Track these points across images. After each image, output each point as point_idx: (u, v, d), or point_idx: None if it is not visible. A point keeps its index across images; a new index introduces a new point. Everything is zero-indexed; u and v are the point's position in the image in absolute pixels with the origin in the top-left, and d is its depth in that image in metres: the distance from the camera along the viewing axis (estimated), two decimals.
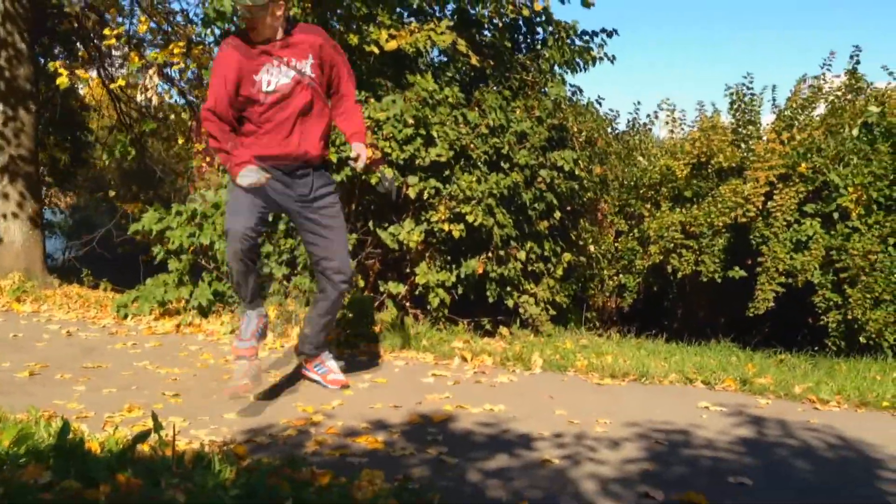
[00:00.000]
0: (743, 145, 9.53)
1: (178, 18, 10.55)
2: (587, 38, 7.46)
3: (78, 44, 11.30)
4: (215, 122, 3.75)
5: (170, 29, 10.16)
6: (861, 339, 7.56)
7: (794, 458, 3.23)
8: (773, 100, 9.95)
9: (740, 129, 9.74)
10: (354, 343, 5.17)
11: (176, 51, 7.25)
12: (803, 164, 8.30)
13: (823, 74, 9.74)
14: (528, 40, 7.55)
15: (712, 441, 3.43)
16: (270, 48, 3.82)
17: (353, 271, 4.18)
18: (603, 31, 7.50)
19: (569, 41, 7.34)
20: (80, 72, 8.09)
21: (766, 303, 8.16)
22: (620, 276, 9.55)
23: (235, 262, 3.74)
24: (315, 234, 3.99)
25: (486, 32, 7.29)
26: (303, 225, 4.00)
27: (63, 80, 8.18)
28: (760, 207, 8.37)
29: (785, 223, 8.23)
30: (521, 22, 7.31)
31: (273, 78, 3.80)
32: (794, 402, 4.22)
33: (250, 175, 3.64)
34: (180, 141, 10.50)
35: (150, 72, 7.74)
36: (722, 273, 8.63)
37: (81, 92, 13.35)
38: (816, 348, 7.70)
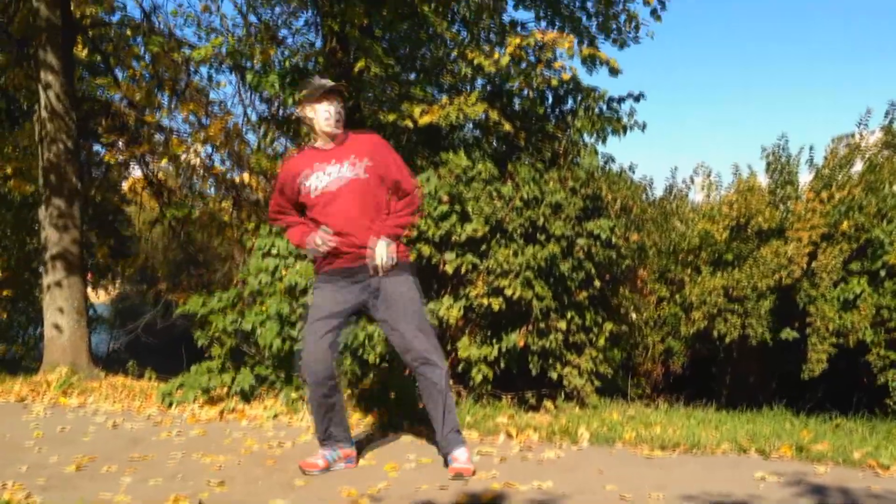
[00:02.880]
0: (782, 206, 9.45)
1: (216, 108, 10.91)
2: (615, 104, 7.52)
3: (119, 142, 11.72)
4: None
5: (209, 121, 10.51)
6: None
7: None
8: (811, 159, 9.90)
9: (778, 190, 9.68)
10: (398, 423, 5.12)
11: (213, 132, 7.48)
12: (846, 223, 8.18)
13: (861, 132, 9.70)
14: (557, 111, 7.65)
15: None
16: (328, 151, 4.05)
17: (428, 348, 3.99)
18: (630, 95, 7.55)
19: (597, 110, 7.41)
20: (124, 154, 8.37)
21: (820, 364, 7.95)
22: (667, 340, 9.37)
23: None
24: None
25: (515, 104, 7.40)
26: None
27: (109, 157, 8.49)
28: (805, 268, 8.24)
29: (831, 282, 8.07)
30: (548, 92, 7.42)
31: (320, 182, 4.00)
32: (853, 468, 4.06)
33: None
34: (225, 218, 10.68)
35: (192, 148, 7.99)
36: (771, 335, 8.43)
37: (124, 185, 13.80)
38: (876, 410, 7.44)
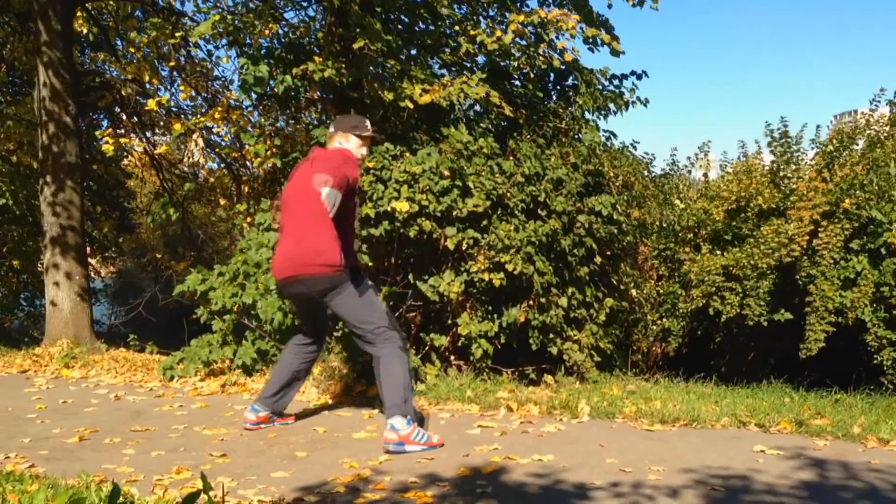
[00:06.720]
0: (783, 185, 9.41)
1: (216, 84, 10.84)
2: (617, 82, 7.47)
3: (122, 115, 11.66)
4: None
5: (209, 96, 10.45)
6: None
7: (859, 501, 3.11)
8: (816, 137, 9.84)
9: (780, 169, 9.63)
10: None
11: (217, 115, 7.42)
12: (847, 201, 8.14)
13: (871, 111, 9.66)
14: (559, 88, 7.60)
15: (773, 486, 3.32)
16: None
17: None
18: (633, 73, 7.50)
19: (599, 87, 7.37)
20: (124, 139, 8.30)
21: (817, 343, 7.95)
22: (664, 320, 9.37)
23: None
24: None
25: (517, 82, 7.35)
26: None
27: (108, 148, 8.45)
28: (805, 246, 8.21)
29: (832, 261, 8.06)
30: (550, 71, 7.36)
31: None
32: (853, 442, 4.08)
33: None
34: (222, 203, 10.67)
35: (195, 136, 7.92)
36: (768, 316, 8.42)
37: (126, 161, 13.76)
38: (874, 387, 7.46)
